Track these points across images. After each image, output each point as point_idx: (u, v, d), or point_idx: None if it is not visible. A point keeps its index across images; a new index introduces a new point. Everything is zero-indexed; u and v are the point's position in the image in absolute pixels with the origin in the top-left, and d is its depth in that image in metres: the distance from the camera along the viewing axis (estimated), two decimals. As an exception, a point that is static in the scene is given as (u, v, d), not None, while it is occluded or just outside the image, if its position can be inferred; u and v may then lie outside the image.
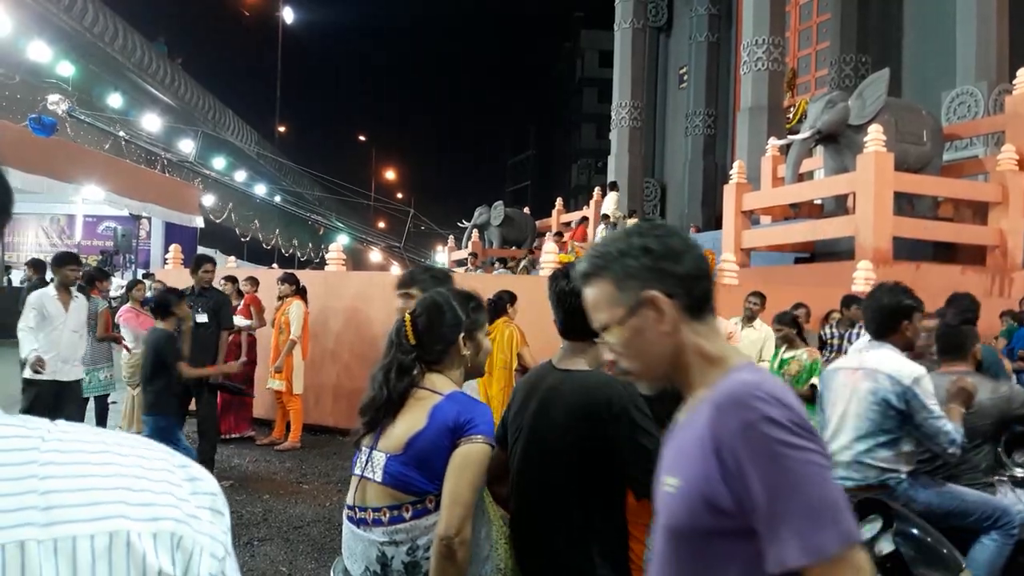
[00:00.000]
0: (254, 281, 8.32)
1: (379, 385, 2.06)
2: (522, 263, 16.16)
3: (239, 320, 7.95)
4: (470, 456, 1.93)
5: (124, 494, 0.61)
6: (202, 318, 6.34)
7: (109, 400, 7.58)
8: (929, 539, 2.11)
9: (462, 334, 2.11)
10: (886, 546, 2.00)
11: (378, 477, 2.00)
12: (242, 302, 8.11)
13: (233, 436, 7.88)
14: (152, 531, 0.61)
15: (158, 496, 0.63)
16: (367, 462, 2.05)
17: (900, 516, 2.10)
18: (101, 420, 7.38)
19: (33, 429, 0.62)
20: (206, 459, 5.76)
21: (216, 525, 0.66)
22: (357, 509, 2.04)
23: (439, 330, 2.09)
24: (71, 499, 0.59)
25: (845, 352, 7.29)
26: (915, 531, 2.09)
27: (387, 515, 1.97)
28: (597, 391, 1.92)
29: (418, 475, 1.96)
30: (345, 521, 2.10)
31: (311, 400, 8.14)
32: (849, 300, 7.48)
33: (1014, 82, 10.85)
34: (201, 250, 19.63)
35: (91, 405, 7.30)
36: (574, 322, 2.01)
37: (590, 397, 1.92)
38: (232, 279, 8.08)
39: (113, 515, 0.60)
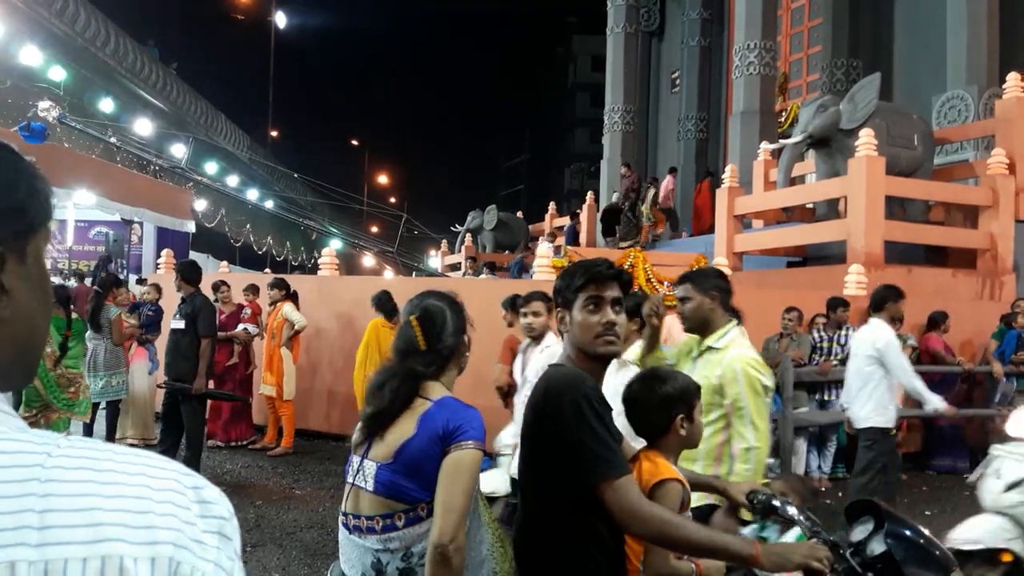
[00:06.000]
0: (255, 288, 8.28)
1: (390, 397, 2.03)
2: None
3: (251, 328, 7.94)
4: (461, 463, 1.93)
5: (124, 516, 0.60)
6: (177, 324, 6.25)
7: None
8: (921, 540, 2.11)
9: (466, 336, 2.15)
10: (877, 547, 2.00)
11: (369, 486, 2.00)
12: (249, 310, 8.09)
13: (242, 443, 7.86)
14: (150, 555, 0.59)
15: (160, 519, 0.61)
16: (359, 470, 2.04)
17: (891, 517, 2.10)
18: (112, 424, 7.36)
19: (41, 445, 0.61)
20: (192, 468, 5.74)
21: (222, 551, 0.64)
22: (351, 516, 2.04)
23: (445, 336, 2.10)
24: (68, 520, 0.58)
25: (835, 354, 7.32)
26: (907, 532, 2.09)
27: (380, 524, 1.97)
28: (556, 385, 1.92)
29: (409, 483, 1.96)
30: (340, 527, 2.10)
31: (304, 405, 8.12)
32: (835, 303, 7.52)
33: (1004, 86, 10.92)
34: (193, 255, 19.60)
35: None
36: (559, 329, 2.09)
37: (550, 390, 1.92)
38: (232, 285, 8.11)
39: (109, 538, 0.58)
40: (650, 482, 2.03)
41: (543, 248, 15.20)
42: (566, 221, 19.42)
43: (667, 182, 16.69)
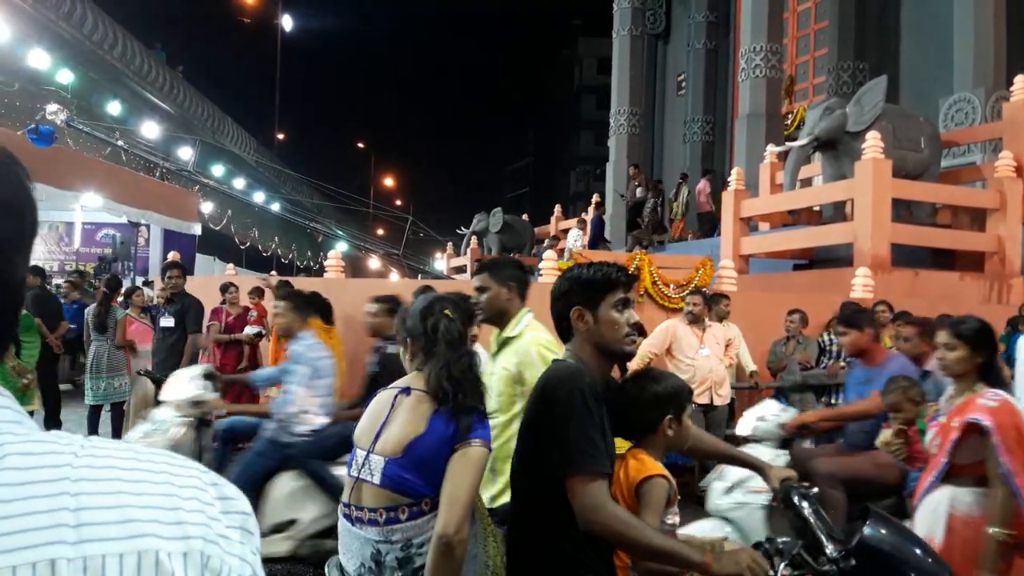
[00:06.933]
0: (259, 291, 8.31)
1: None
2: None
3: (253, 329, 7.96)
4: (469, 459, 1.99)
5: (155, 512, 0.61)
6: (167, 322, 6.33)
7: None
8: (913, 548, 2.09)
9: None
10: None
11: (376, 480, 2.04)
12: (255, 312, 8.11)
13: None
14: (182, 550, 0.61)
15: (189, 514, 0.63)
16: (364, 464, 2.08)
17: (878, 522, 2.09)
18: (117, 427, 7.38)
19: (66, 445, 0.63)
20: None
21: (246, 546, 0.66)
22: (353, 508, 2.09)
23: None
24: (102, 516, 0.59)
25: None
26: (887, 538, 2.07)
27: (383, 516, 2.02)
28: (557, 376, 1.96)
29: (416, 478, 2.01)
30: (341, 518, 2.15)
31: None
32: (849, 307, 7.48)
33: (1011, 88, 10.87)
34: (199, 257, 19.67)
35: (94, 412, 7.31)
36: (557, 325, 2.14)
37: (550, 381, 1.97)
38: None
39: (143, 533, 0.60)
40: (636, 478, 2.05)
41: (572, 236, 15.36)
42: (573, 223, 19.38)
43: (702, 185, 16.61)
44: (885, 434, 3.51)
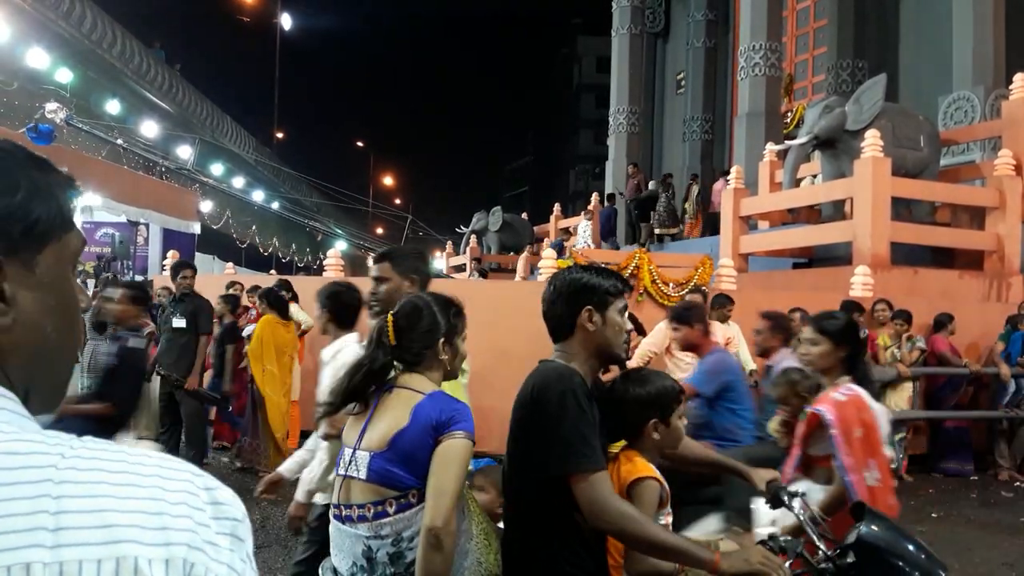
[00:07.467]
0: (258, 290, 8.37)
1: (347, 376, 2.15)
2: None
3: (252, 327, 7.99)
4: (453, 451, 2.00)
5: (138, 517, 0.59)
6: (180, 323, 6.37)
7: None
8: (907, 545, 2.09)
9: (441, 339, 2.18)
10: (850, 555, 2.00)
11: (362, 475, 2.06)
12: (254, 311, 8.13)
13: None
14: (164, 557, 0.59)
15: (175, 520, 0.61)
16: (351, 461, 2.11)
17: (874, 520, 2.09)
18: None
19: (54, 446, 0.61)
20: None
21: (235, 553, 0.64)
22: (343, 507, 2.11)
23: (419, 332, 2.16)
24: (82, 521, 0.57)
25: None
26: (882, 536, 2.07)
27: (371, 511, 2.03)
28: (546, 378, 1.98)
29: (402, 471, 2.02)
30: (332, 519, 2.16)
31: (309, 407, 8.12)
32: (849, 308, 7.47)
33: (1010, 87, 10.87)
34: (199, 256, 19.67)
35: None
36: (548, 325, 2.15)
37: (538, 384, 1.99)
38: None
39: (123, 539, 0.58)
40: (627, 480, 2.07)
41: (582, 227, 15.36)
42: (573, 221, 19.38)
43: (720, 185, 16.50)
44: (772, 422, 3.56)
